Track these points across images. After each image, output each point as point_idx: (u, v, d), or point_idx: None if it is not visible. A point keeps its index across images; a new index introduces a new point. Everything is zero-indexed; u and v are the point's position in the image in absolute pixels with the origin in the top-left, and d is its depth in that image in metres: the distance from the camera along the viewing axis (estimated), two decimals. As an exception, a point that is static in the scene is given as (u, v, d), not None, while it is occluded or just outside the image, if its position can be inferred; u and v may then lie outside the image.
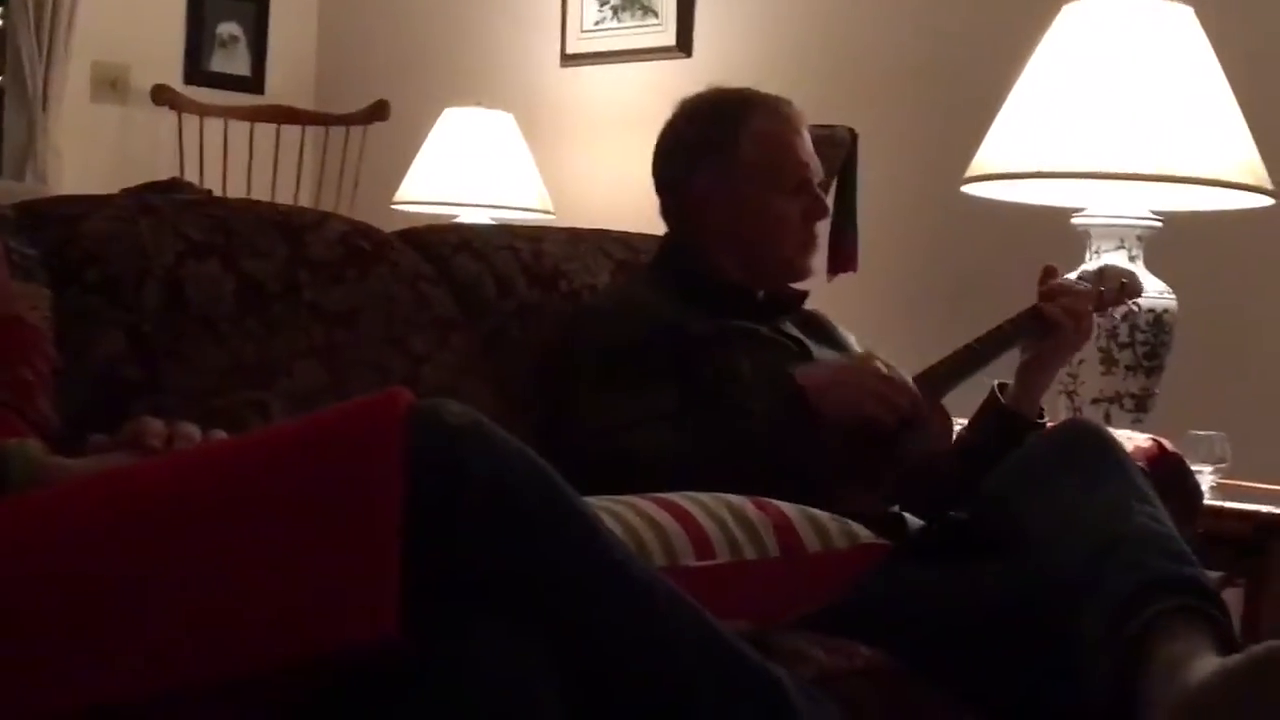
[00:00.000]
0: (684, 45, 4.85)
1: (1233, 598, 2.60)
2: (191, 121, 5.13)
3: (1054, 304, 2.35)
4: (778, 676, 1.47)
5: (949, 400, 2.36)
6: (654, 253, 2.60)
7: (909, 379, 2.22)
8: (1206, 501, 2.55)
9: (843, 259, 3.17)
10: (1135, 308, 2.82)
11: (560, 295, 2.59)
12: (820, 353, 2.42)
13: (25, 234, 2.13)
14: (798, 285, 2.51)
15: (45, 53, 5.04)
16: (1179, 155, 2.80)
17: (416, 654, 1.29)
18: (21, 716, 1.25)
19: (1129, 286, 2.55)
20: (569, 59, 5.12)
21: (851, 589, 1.91)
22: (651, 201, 2.55)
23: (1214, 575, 2.44)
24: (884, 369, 2.19)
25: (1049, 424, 2.39)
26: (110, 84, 5.35)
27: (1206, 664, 1.69)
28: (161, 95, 5.19)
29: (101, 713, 1.26)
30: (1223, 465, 2.82)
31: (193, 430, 1.58)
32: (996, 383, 2.37)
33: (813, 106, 2.54)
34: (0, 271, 1.95)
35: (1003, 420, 2.35)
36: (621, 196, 4.44)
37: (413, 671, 1.30)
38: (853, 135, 3.29)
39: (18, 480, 1.38)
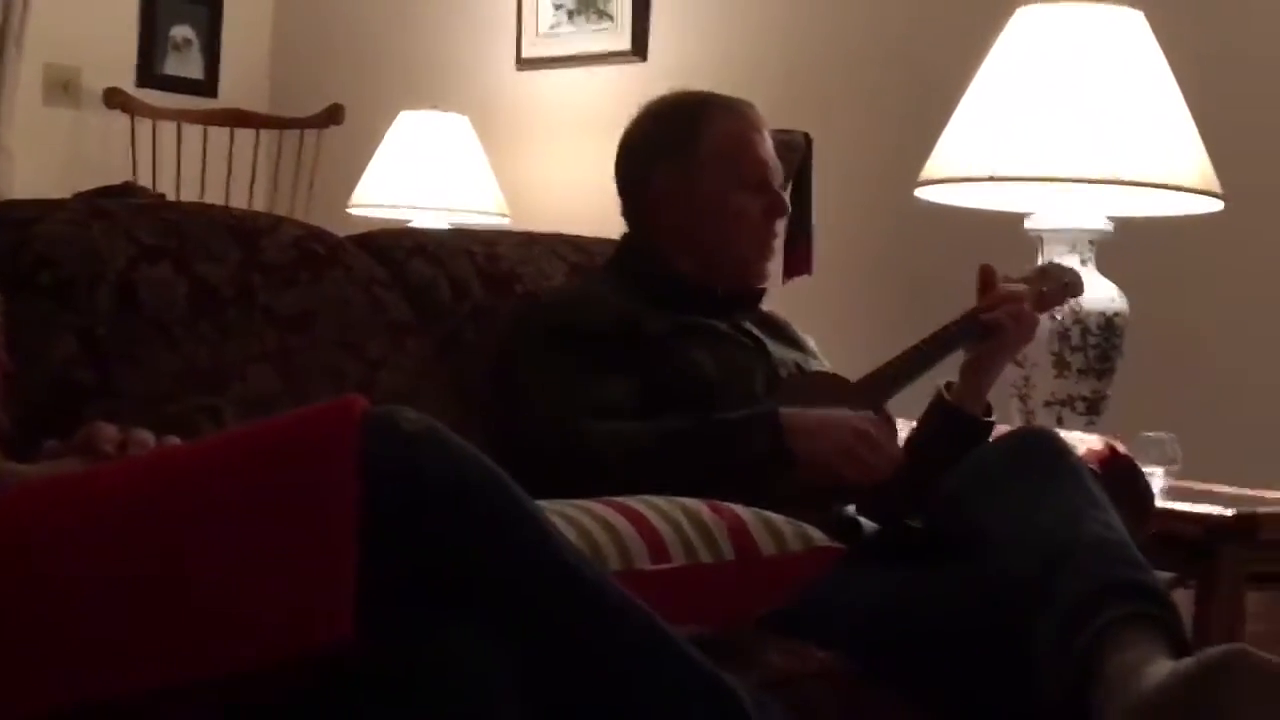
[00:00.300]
0: (639, 49, 4.85)
1: (1184, 599, 2.61)
2: (144, 125, 5.12)
3: (1001, 309, 2.35)
4: (730, 685, 1.47)
5: (895, 402, 2.36)
6: (608, 255, 2.60)
7: (898, 434, 2.22)
8: (1158, 503, 2.56)
9: (798, 262, 3.19)
10: (1080, 310, 2.83)
11: (515, 298, 2.58)
12: (778, 351, 2.42)
13: (-23, 238, 2.13)
14: (753, 288, 2.50)
15: (-3, 54, 5.01)
16: (1130, 159, 2.82)
17: (376, 657, 1.29)
18: None
19: (1071, 285, 2.56)
20: (525, 63, 5.11)
21: (806, 592, 1.91)
22: (607, 205, 2.56)
23: (1165, 577, 2.45)
24: (870, 429, 2.15)
25: (1000, 425, 2.40)
26: (62, 86, 5.33)
27: (1160, 668, 1.70)
28: (114, 98, 5.17)
29: (59, 715, 1.26)
30: (1174, 467, 2.83)
31: (146, 436, 1.58)
32: (943, 382, 2.37)
33: (768, 111, 2.54)
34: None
35: (949, 419, 2.34)
36: (577, 200, 4.47)
37: (374, 674, 1.31)
38: (808, 140, 3.31)
39: (-34, 485, 1.38)
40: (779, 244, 2.56)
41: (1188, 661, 1.66)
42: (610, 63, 4.89)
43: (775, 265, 2.57)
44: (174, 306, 2.22)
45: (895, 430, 2.33)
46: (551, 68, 5.06)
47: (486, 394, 2.41)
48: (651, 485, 1.90)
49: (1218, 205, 2.94)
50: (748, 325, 2.43)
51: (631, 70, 4.79)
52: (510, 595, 1.38)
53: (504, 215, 4.83)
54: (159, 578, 1.28)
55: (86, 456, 1.53)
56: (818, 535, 1.93)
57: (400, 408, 1.38)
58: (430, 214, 4.73)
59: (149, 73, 5.49)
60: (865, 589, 2.01)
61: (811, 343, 2.55)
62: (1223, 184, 2.92)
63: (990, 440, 2.31)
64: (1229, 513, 2.68)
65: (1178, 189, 2.87)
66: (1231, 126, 3.18)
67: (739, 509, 1.88)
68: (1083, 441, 2.44)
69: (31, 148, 5.12)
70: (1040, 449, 2.12)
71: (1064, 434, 2.31)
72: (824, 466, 2.13)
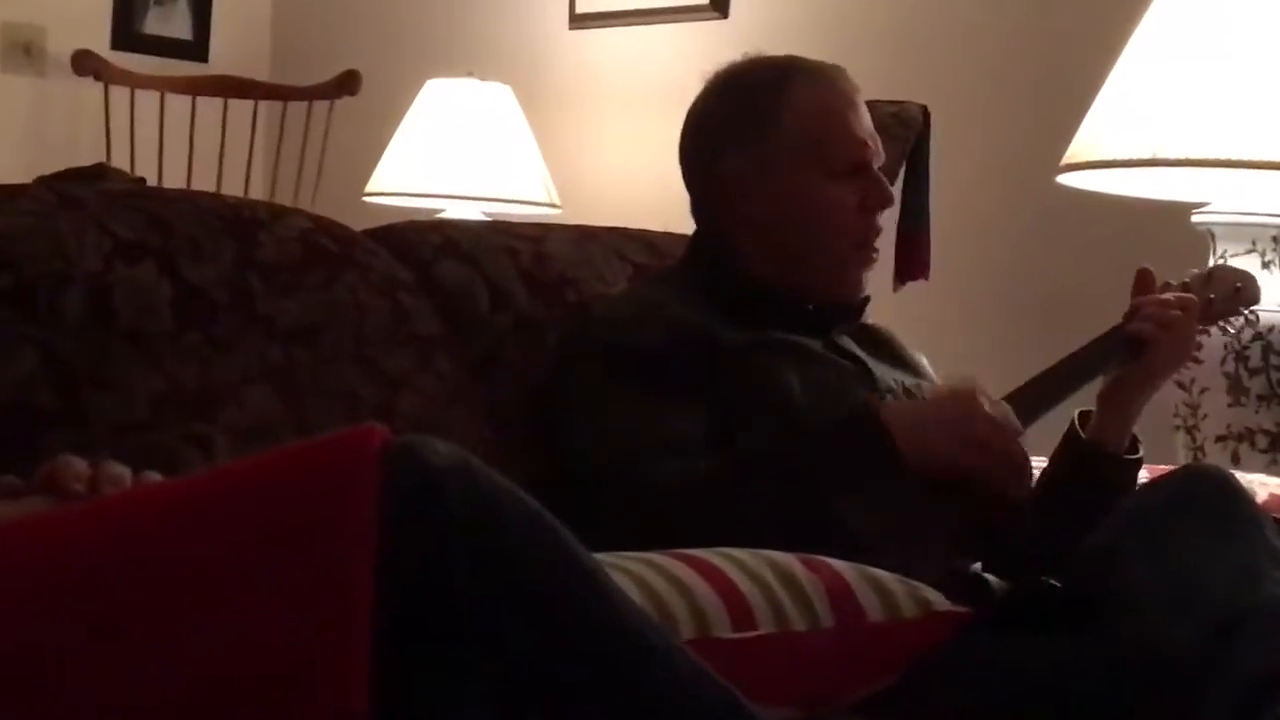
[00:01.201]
0: (719, 4, 4.86)
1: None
2: (121, 94, 5.15)
3: (1143, 316, 2.35)
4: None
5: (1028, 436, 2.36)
6: (679, 255, 2.60)
7: (1020, 425, 2.22)
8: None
9: (913, 264, 3.17)
10: (1257, 323, 2.81)
11: (566, 307, 2.59)
12: (883, 372, 2.42)
13: (-80, 232, 2.15)
14: (853, 299, 2.50)
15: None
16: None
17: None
18: None
19: (1244, 292, 2.55)
20: (579, 19, 5.13)
21: (921, 665, 1.91)
22: (680, 193, 2.56)
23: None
24: (988, 407, 2.18)
25: (1159, 465, 2.39)
26: (23, 49, 5.38)
27: None
28: (85, 63, 5.21)
29: None
30: (1375, 517, 2.82)
31: (122, 471, 1.59)
32: (1079, 411, 2.37)
33: (874, 82, 2.54)
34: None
35: (1085, 457, 2.36)
36: (642, 188, 4.47)
37: None
38: (925, 114, 3.30)
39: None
40: (886, 242, 2.55)
41: None
42: (683, 19, 4.91)
43: (881, 269, 2.56)
44: (156, 315, 2.23)
45: (1030, 467, 2.32)
46: (612, 25, 5.08)
47: (531, 424, 2.42)
48: (732, 533, 1.91)
49: None
50: (845, 341, 2.43)
51: (709, 29, 4.80)
52: (555, 661, 1.38)
53: (554, 205, 4.85)
54: (139, 646, 1.29)
55: (50, 496, 1.54)
56: (936, 597, 1.93)
57: (427, 438, 1.39)
58: (464, 204, 4.76)
59: (127, 33, 5.55)
60: (992, 661, 2.01)
61: (925, 362, 2.55)
62: None
63: (1146, 482, 2.30)
64: None
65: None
66: None
67: (839, 564, 1.88)
68: (1264, 485, 2.43)
69: (-11, 125, 5.21)
70: (1209, 491, 2.10)
71: (1240, 475, 2.30)
72: (943, 460, 2.14)
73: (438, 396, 2.43)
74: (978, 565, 2.22)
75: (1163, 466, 2.49)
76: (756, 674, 1.52)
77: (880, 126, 2.50)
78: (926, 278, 3.22)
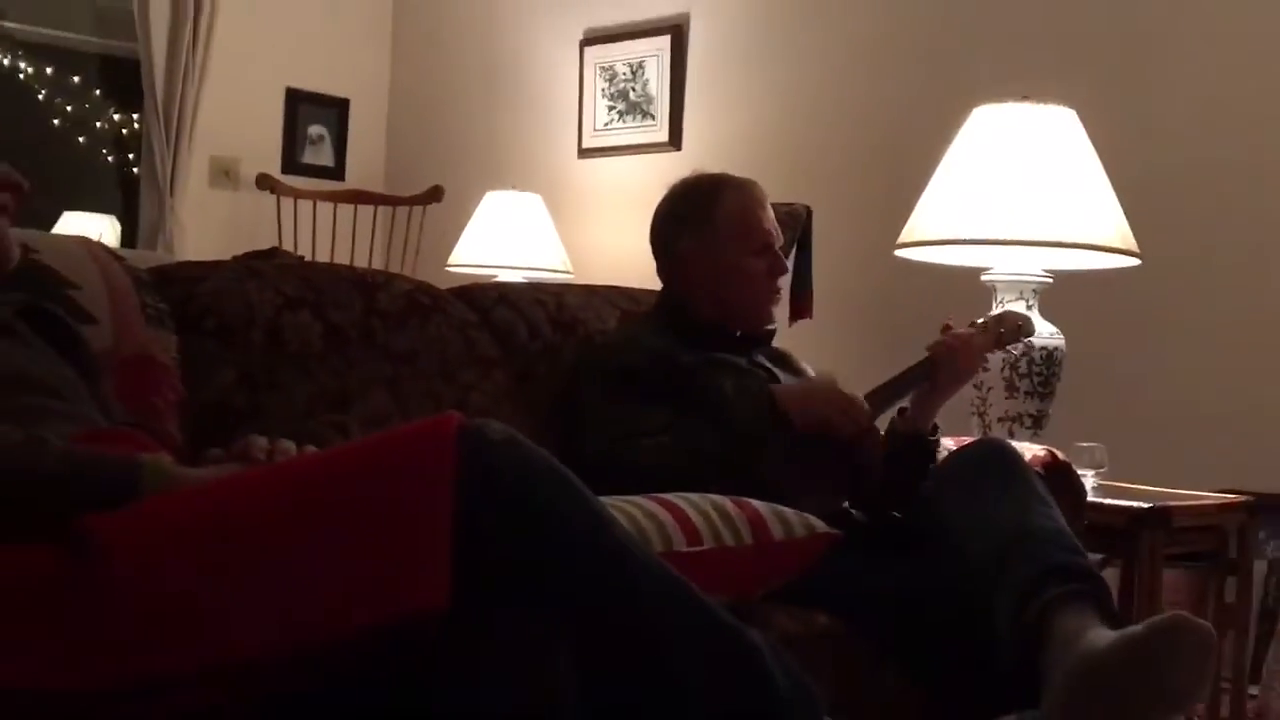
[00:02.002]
0: (675, 141, 4.87)
1: (1111, 577, 2.61)
2: (288, 202, 5.15)
3: (937, 351, 2.36)
4: (752, 638, 1.47)
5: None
6: (652, 303, 2.60)
7: (867, 406, 2.23)
8: (1090, 499, 2.56)
9: (801, 308, 3.19)
10: (1029, 345, 2.82)
11: (577, 338, 2.59)
12: (785, 379, 2.42)
13: (157, 292, 2.15)
14: (764, 330, 2.51)
15: (172, 148, 5.07)
16: (1066, 224, 2.81)
17: (467, 628, 1.28)
18: (161, 676, 1.25)
19: (1024, 327, 2.57)
20: (585, 152, 5.14)
21: (809, 570, 1.91)
22: (649, 264, 2.56)
23: (1096, 558, 2.44)
24: (844, 391, 2.20)
25: (962, 438, 2.40)
26: (224, 173, 5.39)
27: (1101, 634, 1.69)
28: (264, 182, 5.20)
29: (206, 675, 1.26)
30: (1102, 469, 2.82)
31: (289, 445, 1.58)
32: (900, 406, 2.38)
33: (777, 188, 2.55)
34: (136, 323, 1.95)
35: (904, 435, 2.36)
36: (626, 260, 4.46)
37: (456, 640, 1.29)
38: (808, 211, 3.31)
39: (151, 486, 1.39)
40: (785, 294, 2.56)
41: (1137, 627, 1.65)
42: (652, 152, 4.91)
43: (782, 310, 2.57)
44: (310, 344, 2.24)
45: (879, 437, 2.33)
46: (606, 156, 5.08)
47: (555, 415, 2.42)
48: (685, 481, 1.91)
49: (1135, 262, 2.93)
50: (761, 359, 2.44)
51: (669, 158, 4.80)
52: (575, 570, 1.37)
53: (569, 272, 4.84)
54: (299, 550, 1.28)
55: (242, 462, 1.53)
56: (819, 524, 1.93)
57: (487, 421, 1.38)
58: (511, 271, 4.75)
59: (291, 161, 5.55)
60: (857, 568, 2.01)
61: (811, 372, 2.55)
62: (1139, 245, 2.91)
63: (954, 450, 2.31)
64: (1147, 506, 2.67)
65: (1103, 249, 2.86)
66: (1144, 199, 3.18)
67: (757, 504, 1.89)
68: (1030, 450, 2.44)
69: (199, 221, 5.19)
70: (996, 456, 2.11)
71: (1015, 444, 2.30)
72: (816, 420, 2.17)
73: (494, 396, 2.43)
74: (846, 504, 2.23)
75: (966, 438, 2.49)
76: (701, 574, 1.52)
77: (778, 219, 2.51)
78: (810, 317, 3.23)
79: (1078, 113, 2.95)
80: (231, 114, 5.30)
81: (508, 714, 1.29)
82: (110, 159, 5.48)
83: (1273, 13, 3.65)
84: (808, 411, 2.18)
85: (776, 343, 2.54)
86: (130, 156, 5.40)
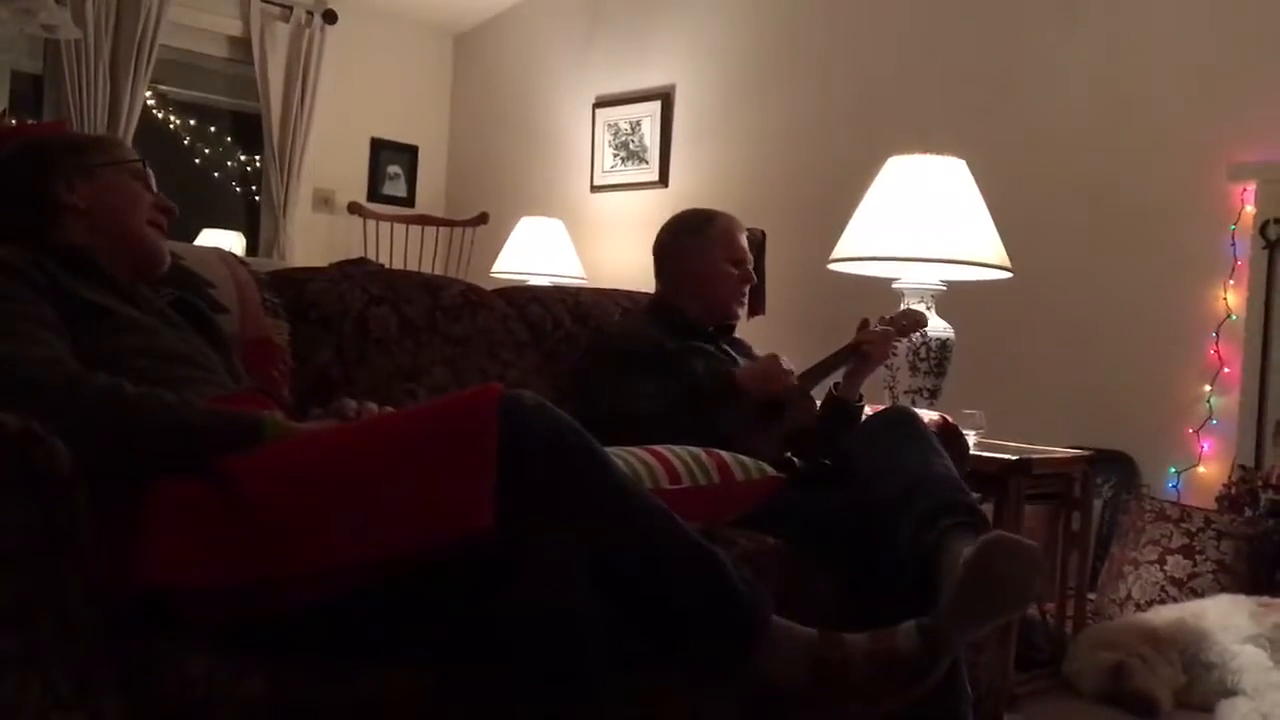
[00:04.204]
0: (664, 181, 4.86)
1: (988, 510, 2.62)
2: (371, 224, 5.15)
3: (861, 338, 2.36)
4: (717, 552, 1.48)
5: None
6: (646, 302, 2.59)
7: (795, 372, 2.23)
8: (972, 452, 2.56)
9: (756, 308, 3.19)
10: (926, 336, 2.82)
11: (589, 328, 2.58)
12: (744, 361, 2.41)
13: (273, 289, 2.15)
14: (730, 322, 2.51)
15: (285, 181, 5.06)
16: (956, 246, 2.82)
17: (507, 545, 1.28)
18: (283, 575, 1.25)
19: (920, 321, 2.57)
20: (596, 188, 5.13)
21: (763, 504, 1.91)
22: (645, 273, 2.55)
23: (978, 497, 2.44)
24: (784, 364, 2.20)
25: (877, 405, 2.39)
26: (324, 201, 5.36)
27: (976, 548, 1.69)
28: (354, 208, 5.21)
29: (317, 575, 1.26)
30: (981, 430, 2.83)
31: (373, 406, 1.59)
32: (834, 382, 2.38)
33: (741, 216, 2.55)
34: (258, 313, 1.95)
35: (837, 404, 2.35)
36: (626, 270, 4.47)
37: (503, 559, 1.29)
38: (763, 234, 3.32)
39: (271, 435, 1.39)
40: (747, 297, 2.56)
41: (980, 544, 1.63)
42: (646, 189, 4.90)
43: (743, 309, 2.57)
44: (389, 331, 2.23)
45: (814, 407, 2.32)
46: (611, 191, 5.07)
47: (573, 385, 2.41)
48: (672, 436, 1.91)
49: (1008, 275, 2.94)
50: (725, 346, 2.43)
51: (659, 193, 4.79)
52: (589, 504, 1.38)
53: (584, 278, 4.83)
54: (381, 481, 1.28)
55: (338, 418, 1.54)
56: (770, 470, 1.93)
57: (522, 390, 1.39)
58: (541, 278, 4.74)
59: (375, 192, 5.53)
60: (797, 502, 2.00)
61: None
62: (1011, 261, 2.92)
63: (870, 415, 2.31)
64: (1014, 458, 2.68)
65: (984, 265, 2.86)
66: (1015, 228, 3.18)
67: (724, 454, 1.88)
68: (927, 415, 2.44)
69: (305, 238, 5.17)
70: (902, 418, 2.11)
71: (917, 410, 2.31)
72: (762, 385, 2.17)
73: (528, 371, 2.42)
74: (789, 454, 2.23)
75: (879, 405, 2.49)
76: (681, 506, 1.52)
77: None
78: (764, 314, 3.23)
79: (967, 162, 2.95)
80: (331, 157, 5.29)
81: (542, 609, 1.29)
82: (238, 190, 5.46)
83: (1109, 93, 3.66)
84: (752, 379, 2.18)
85: (737, 334, 2.54)
86: (253, 188, 5.38)
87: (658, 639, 1.43)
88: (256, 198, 5.27)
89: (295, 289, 2.18)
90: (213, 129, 5.37)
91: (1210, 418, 3.39)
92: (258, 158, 5.23)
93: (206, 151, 5.36)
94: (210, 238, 5.16)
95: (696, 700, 1.57)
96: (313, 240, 5.20)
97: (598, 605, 1.33)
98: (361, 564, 1.26)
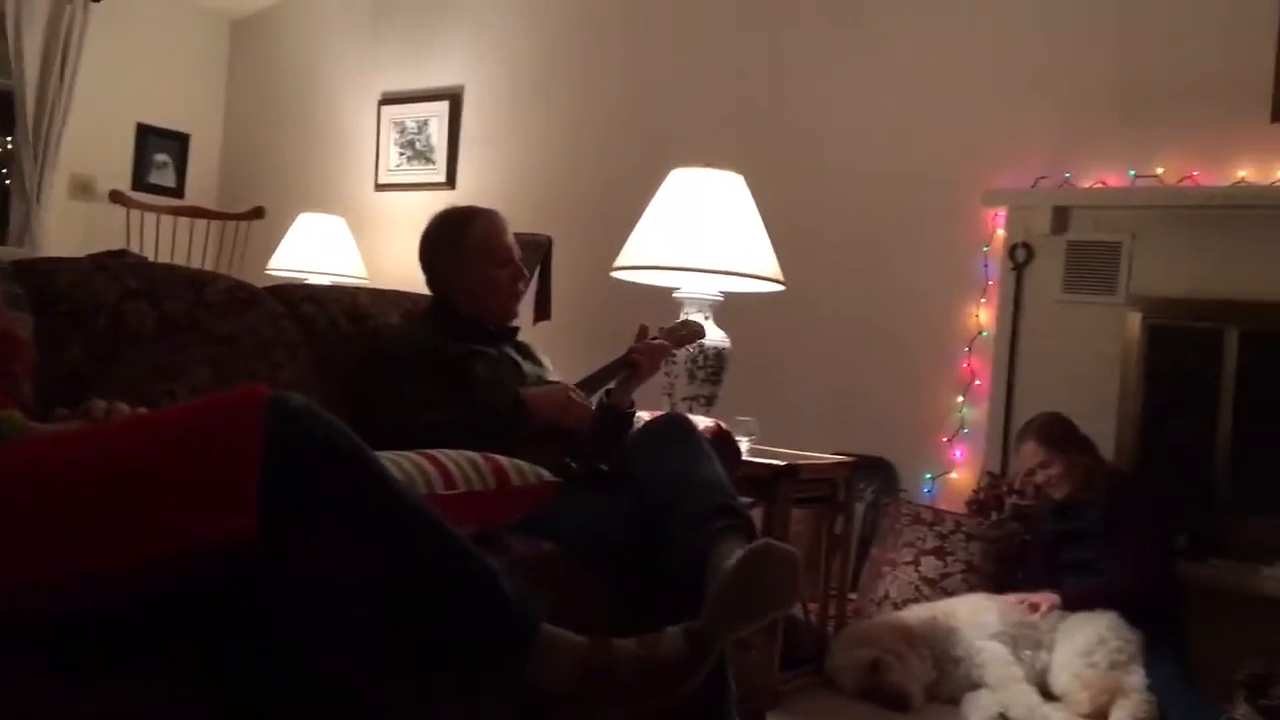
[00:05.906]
0: (451, 182, 4.82)
1: (758, 515, 2.69)
2: (136, 214, 4.86)
3: (635, 350, 2.39)
4: (489, 561, 1.47)
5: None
6: (426, 304, 2.55)
7: (588, 402, 2.23)
8: (744, 458, 2.63)
9: (542, 312, 3.19)
10: (703, 346, 2.88)
11: (367, 330, 2.50)
12: (527, 366, 2.39)
13: (18, 280, 1.99)
14: (513, 324, 2.49)
15: (39, 165, 4.75)
16: (734, 258, 2.88)
17: (266, 548, 1.24)
18: (18, 583, 1.17)
19: (698, 333, 2.63)
20: (380, 187, 5.04)
21: (539, 508, 1.91)
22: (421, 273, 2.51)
23: (748, 501, 2.52)
24: (574, 396, 2.19)
25: (655, 410, 2.43)
26: (82, 188, 5.05)
27: (734, 557, 1.73)
28: (116, 197, 4.92)
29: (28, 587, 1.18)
30: (754, 437, 2.91)
31: (124, 407, 1.51)
32: (605, 389, 2.39)
33: (526, 222, 2.55)
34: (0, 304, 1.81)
35: (609, 411, 2.36)
36: (411, 271, 4.37)
37: (268, 563, 1.25)
38: (549, 240, 3.32)
39: (8, 434, 1.31)
40: (529, 301, 2.55)
41: (744, 551, 1.69)
42: (432, 189, 4.84)
43: (528, 313, 2.55)
44: (146, 328, 2.11)
45: (590, 408, 2.34)
46: (396, 190, 4.98)
47: (349, 389, 2.34)
48: (450, 443, 1.88)
49: (781, 288, 3.04)
50: (508, 350, 2.41)
51: (446, 194, 4.74)
52: (359, 510, 1.35)
53: (364, 278, 4.72)
54: (129, 484, 1.22)
55: (85, 419, 1.45)
56: (546, 474, 1.93)
57: (289, 392, 1.35)
58: (320, 276, 4.60)
59: (140, 180, 5.27)
60: (573, 507, 2.01)
61: (548, 360, 2.54)
62: (785, 276, 3.01)
63: (648, 420, 2.34)
64: (783, 464, 2.77)
65: (760, 278, 2.93)
66: (789, 244, 3.29)
67: (500, 458, 1.87)
68: (703, 422, 2.49)
69: (60, 228, 4.85)
70: (678, 425, 2.14)
71: (692, 417, 2.35)
72: (549, 414, 2.16)
73: (299, 374, 2.33)
74: (567, 459, 2.24)
75: (658, 412, 2.53)
76: (456, 511, 1.51)
77: (527, 244, 2.49)
78: (549, 319, 3.23)
79: (745, 178, 3.03)
80: (91, 138, 4.98)
81: (314, 611, 1.26)
82: (-16, 172, 5.07)
83: (876, 121, 3.85)
84: (544, 411, 2.17)
85: (522, 338, 2.52)
86: (3, 171, 5.00)
87: (428, 646, 1.41)
88: (7, 181, 4.89)
89: (42, 280, 2.03)
90: (-44, 105, 4.95)
91: (962, 427, 3.62)
92: (9, 139, 4.86)
93: (-52, 129, 4.94)
94: (-51, 223, 4.76)
95: (468, 707, 1.55)
96: (70, 230, 4.87)
97: (367, 610, 1.30)
98: (111, 572, 1.18)
